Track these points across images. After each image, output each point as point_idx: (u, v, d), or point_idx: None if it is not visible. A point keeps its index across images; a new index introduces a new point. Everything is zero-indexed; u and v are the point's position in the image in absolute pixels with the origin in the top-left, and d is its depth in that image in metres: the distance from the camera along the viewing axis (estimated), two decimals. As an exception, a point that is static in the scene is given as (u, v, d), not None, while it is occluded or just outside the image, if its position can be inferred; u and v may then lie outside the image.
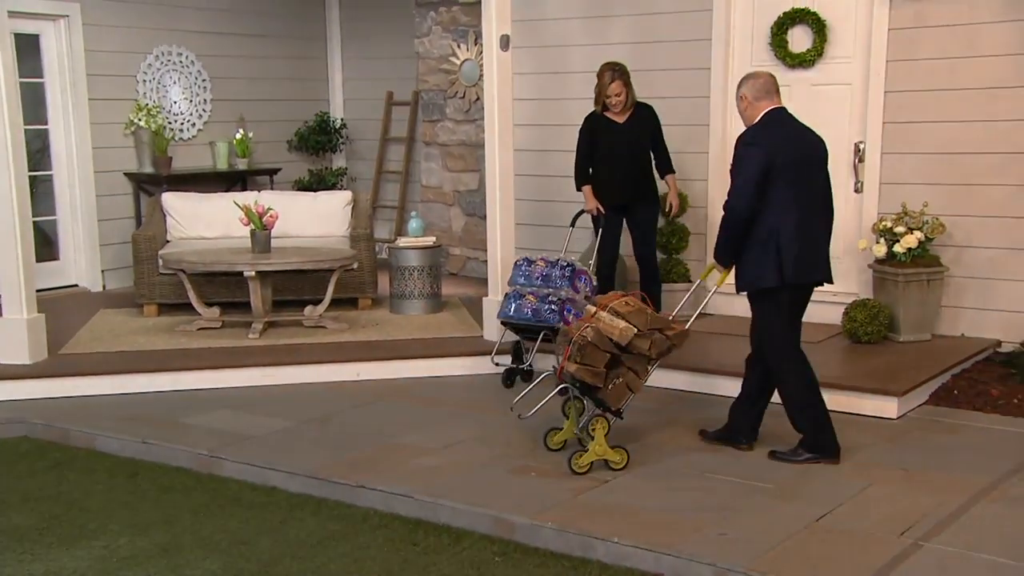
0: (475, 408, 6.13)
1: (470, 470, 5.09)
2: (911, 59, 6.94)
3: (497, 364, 6.66)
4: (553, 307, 6.31)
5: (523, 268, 6.55)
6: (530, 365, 6.57)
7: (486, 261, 9.28)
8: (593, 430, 4.99)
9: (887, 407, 5.71)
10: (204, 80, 9.97)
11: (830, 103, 7.27)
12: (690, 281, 7.63)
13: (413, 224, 7.97)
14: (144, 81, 9.47)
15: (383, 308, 8.10)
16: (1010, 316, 6.79)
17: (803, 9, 7.31)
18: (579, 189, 7.07)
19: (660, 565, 4.10)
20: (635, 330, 4.90)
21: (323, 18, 10.94)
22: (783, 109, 5.10)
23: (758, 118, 5.05)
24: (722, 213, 5.04)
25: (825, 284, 5.18)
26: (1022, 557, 3.99)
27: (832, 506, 4.53)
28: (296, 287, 7.92)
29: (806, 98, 7.36)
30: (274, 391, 6.50)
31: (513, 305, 6.44)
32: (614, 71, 6.83)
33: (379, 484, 4.89)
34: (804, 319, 5.26)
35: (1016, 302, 6.77)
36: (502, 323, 6.57)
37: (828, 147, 5.19)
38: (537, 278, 6.44)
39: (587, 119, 7.01)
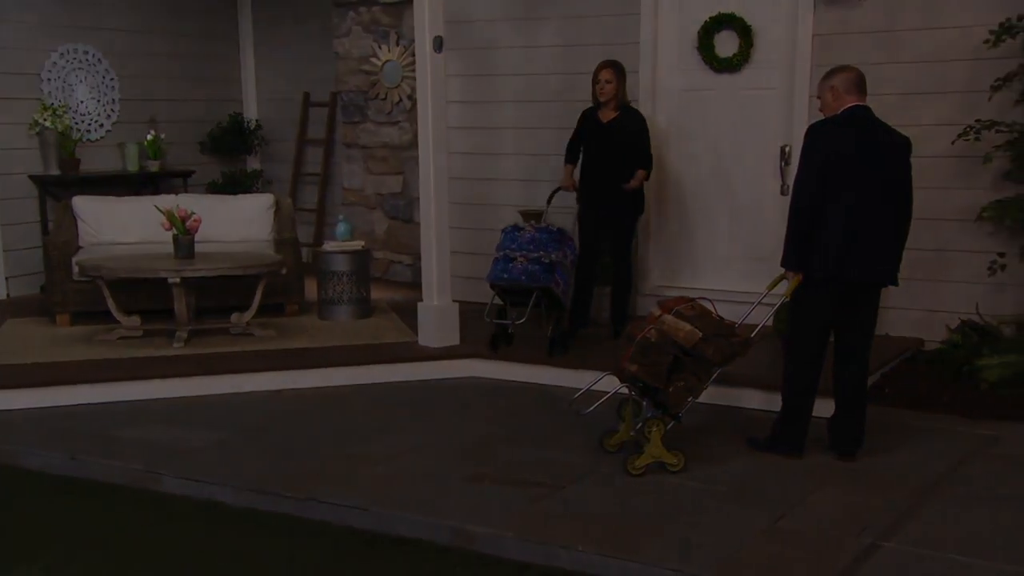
0: (418, 416, 6.04)
1: (422, 479, 5.00)
2: (835, 64, 7.05)
3: (490, 320, 6.69)
4: (545, 267, 6.39)
5: (512, 234, 6.65)
6: (513, 329, 6.68)
7: (411, 265, 9.25)
8: (649, 432, 4.98)
9: (825, 407, 5.78)
10: (112, 79, 9.62)
11: (757, 107, 7.38)
12: (621, 283, 7.67)
13: (341, 228, 7.81)
14: (49, 80, 9.09)
15: (310, 314, 7.93)
16: (931, 315, 6.97)
17: (729, 14, 7.38)
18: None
19: (626, 572, 4.08)
20: (700, 334, 4.91)
21: (235, 16, 10.67)
22: (866, 107, 5.10)
23: (839, 112, 5.07)
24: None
25: (888, 285, 5.21)
26: (979, 555, 4.08)
27: (787, 508, 4.58)
28: (219, 294, 7.66)
29: (733, 102, 7.47)
30: (206, 402, 6.29)
31: (504, 267, 6.50)
32: (607, 61, 6.90)
33: (330, 496, 4.77)
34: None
35: (936, 302, 6.96)
36: (491, 286, 6.61)
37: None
38: (527, 242, 6.53)
39: (583, 112, 7.08)
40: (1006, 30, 6.32)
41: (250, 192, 9.98)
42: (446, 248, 6.90)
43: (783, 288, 5.24)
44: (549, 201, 7.20)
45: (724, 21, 7.41)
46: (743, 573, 3.99)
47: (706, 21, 7.45)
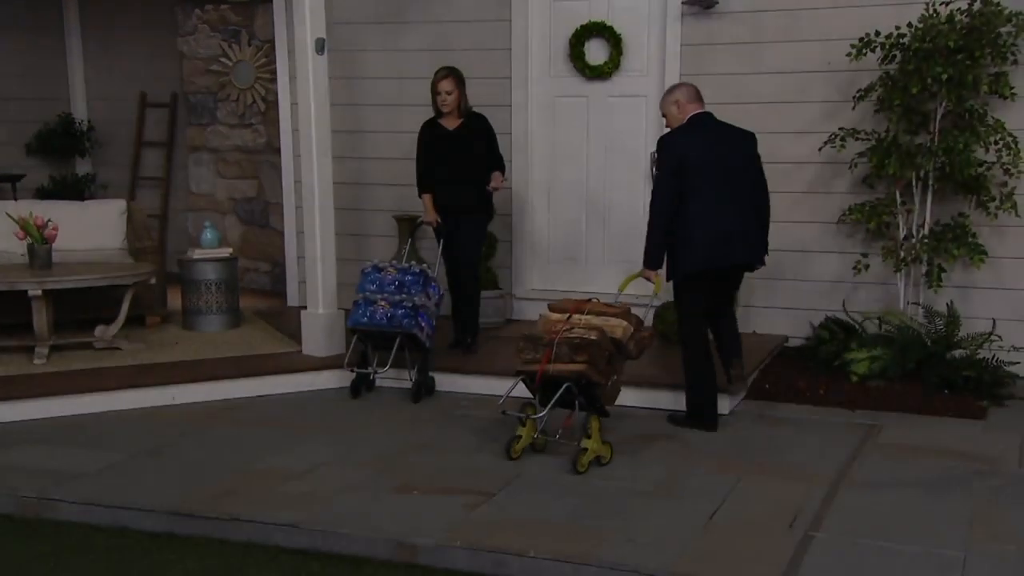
0: (319, 427, 5.86)
1: (347, 493, 4.84)
2: (702, 74, 7.28)
3: (353, 371, 6.40)
4: (408, 312, 6.22)
5: (373, 275, 6.39)
6: (376, 374, 6.42)
7: (268, 272, 8.96)
8: (590, 428, 5.10)
9: (720, 403, 5.99)
10: (-76, 76, 8.88)
11: (627, 114, 7.57)
12: (499, 288, 7.70)
13: (208, 235, 7.48)
14: None
15: (174, 325, 7.55)
16: (793, 313, 7.35)
17: (599, 23, 7.53)
18: (420, 196, 6.87)
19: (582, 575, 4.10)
20: (633, 329, 5.14)
21: (60, 8, 10.01)
22: (709, 113, 5.69)
23: (685, 120, 5.57)
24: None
25: (755, 267, 5.84)
26: (902, 540, 4.29)
27: (716, 503, 4.70)
28: (76, 306, 7.16)
29: (604, 109, 7.63)
30: (82, 421, 5.89)
31: (366, 311, 6.28)
32: (446, 68, 6.66)
33: (254, 515, 4.56)
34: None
35: (797, 300, 7.34)
36: (352, 330, 6.37)
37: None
38: (389, 284, 6.32)
39: (422, 126, 6.83)
40: (866, 44, 6.72)
41: (83, 197, 9.41)
42: (331, 255, 6.73)
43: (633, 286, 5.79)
44: (413, 233, 7.12)
45: (594, 29, 7.55)
46: (700, 570, 4.07)
47: (577, 29, 7.57)
